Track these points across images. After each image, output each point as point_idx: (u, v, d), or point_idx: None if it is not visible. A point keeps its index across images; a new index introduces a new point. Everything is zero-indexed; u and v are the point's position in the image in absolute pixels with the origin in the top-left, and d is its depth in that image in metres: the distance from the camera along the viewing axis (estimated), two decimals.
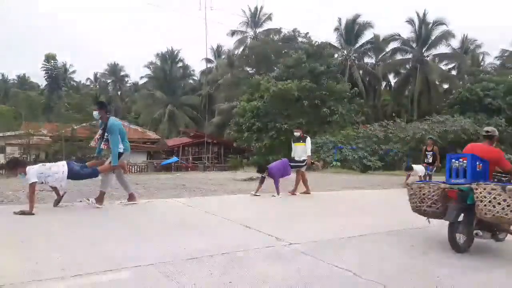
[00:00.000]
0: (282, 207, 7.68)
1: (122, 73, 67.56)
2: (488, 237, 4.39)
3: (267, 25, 42.70)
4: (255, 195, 8.67)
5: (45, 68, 52.31)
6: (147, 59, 76.68)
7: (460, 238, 4.36)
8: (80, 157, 21.69)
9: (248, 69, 40.07)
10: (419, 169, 11.19)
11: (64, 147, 23.89)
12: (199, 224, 5.50)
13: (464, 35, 43.11)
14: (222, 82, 40.74)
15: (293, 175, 9.46)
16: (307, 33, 38.49)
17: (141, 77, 59.42)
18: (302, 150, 9.36)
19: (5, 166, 6.85)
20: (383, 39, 39.69)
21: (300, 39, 38.03)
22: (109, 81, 68.09)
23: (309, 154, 9.39)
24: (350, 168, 21.79)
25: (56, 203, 6.25)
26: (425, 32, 37.68)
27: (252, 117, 27.46)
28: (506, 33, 71.29)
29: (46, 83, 53.65)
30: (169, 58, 52.69)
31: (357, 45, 39.56)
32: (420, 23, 37.77)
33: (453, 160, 4.48)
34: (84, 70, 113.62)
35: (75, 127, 26.05)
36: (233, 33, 43.19)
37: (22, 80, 64.34)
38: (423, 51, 38.35)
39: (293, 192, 9.21)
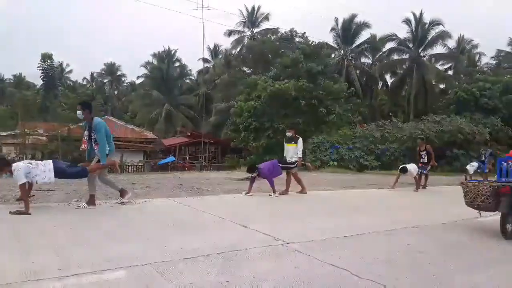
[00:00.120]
0: (279, 206, 7.69)
1: (119, 73, 67.35)
2: None
3: (264, 25, 42.69)
4: (247, 194, 8.70)
5: (41, 68, 51.98)
6: (144, 58, 76.57)
7: (509, 227, 5.10)
8: (76, 156, 21.58)
9: (245, 69, 40.02)
10: (412, 168, 11.23)
11: (60, 146, 23.79)
12: (195, 223, 5.50)
13: (460, 35, 43.32)
14: (219, 81, 40.68)
15: (284, 175, 9.47)
16: (304, 33, 38.58)
17: (138, 77, 59.38)
18: (293, 151, 9.32)
19: None
20: (379, 39, 39.74)
21: (297, 39, 38.05)
22: (105, 80, 67.80)
23: (300, 155, 9.35)
24: (346, 168, 21.84)
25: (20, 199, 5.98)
26: (421, 32, 37.73)
27: (249, 117, 27.46)
28: (503, 33, 71.46)
29: (43, 82, 53.35)
30: (166, 58, 52.56)
31: (354, 45, 39.55)
32: (416, 23, 37.80)
33: (503, 163, 5.60)
34: (80, 70, 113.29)
35: (72, 127, 25.94)
36: (230, 33, 43.15)
37: (18, 80, 63.99)
38: (420, 51, 38.42)
39: (285, 193, 9.18)
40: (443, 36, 37.61)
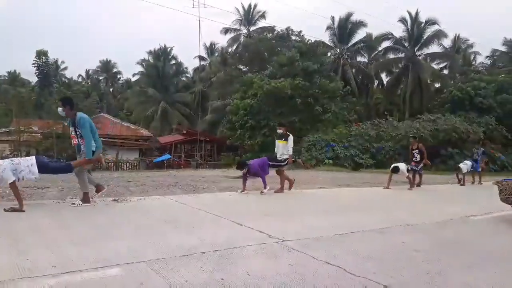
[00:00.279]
0: (274, 204, 7.70)
1: (114, 70, 67.09)
2: None
3: (261, 23, 42.74)
4: (242, 192, 8.71)
5: (36, 65, 51.61)
6: (140, 56, 76.28)
7: None
8: (71, 154, 21.47)
9: (241, 67, 40.00)
10: (403, 167, 11.32)
11: (55, 144, 23.65)
12: (191, 221, 5.50)
13: (456, 34, 43.49)
14: (215, 79, 40.60)
15: (275, 175, 9.47)
16: (301, 31, 38.61)
17: (134, 74, 59.01)
18: (284, 148, 9.25)
19: None
20: (375, 38, 39.86)
21: (293, 37, 38.08)
22: (101, 78, 67.53)
23: (291, 153, 9.28)
24: (342, 166, 21.92)
25: None
26: (417, 31, 37.86)
27: (245, 115, 27.48)
28: (498, 33, 71.77)
29: (37, 79, 52.99)
30: (162, 55, 52.35)
31: (350, 43, 39.63)
32: (412, 22, 37.94)
33: None
34: (76, 67, 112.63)
35: (66, 124, 25.76)
36: (226, 30, 43.11)
37: (13, 77, 63.50)
38: (415, 50, 38.56)
39: (280, 191, 9.20)
40: (439, 35, 37.78)
